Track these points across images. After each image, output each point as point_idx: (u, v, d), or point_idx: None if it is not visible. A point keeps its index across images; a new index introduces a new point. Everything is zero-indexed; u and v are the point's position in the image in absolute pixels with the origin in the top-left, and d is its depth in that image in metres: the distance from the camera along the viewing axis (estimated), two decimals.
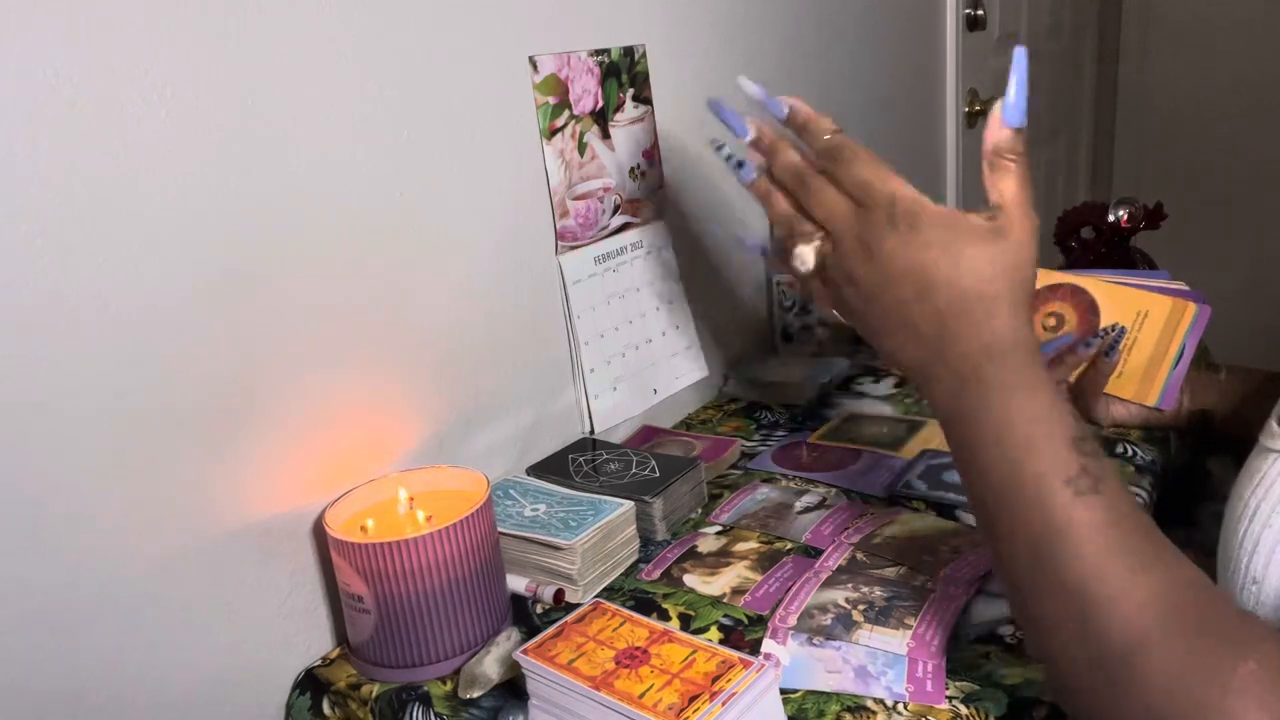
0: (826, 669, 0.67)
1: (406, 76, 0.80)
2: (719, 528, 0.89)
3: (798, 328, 1.30)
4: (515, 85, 0.91)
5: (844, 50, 1.47)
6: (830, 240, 0.63)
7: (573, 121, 0.97)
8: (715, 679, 0.57)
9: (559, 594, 0.78)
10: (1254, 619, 0.51)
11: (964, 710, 0.62)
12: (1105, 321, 0.98)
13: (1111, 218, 1.38)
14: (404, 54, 0.79)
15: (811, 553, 0.82)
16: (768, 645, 0.70)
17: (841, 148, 0.63)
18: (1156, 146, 2.72)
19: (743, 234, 0.68)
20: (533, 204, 0.94)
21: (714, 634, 0.73)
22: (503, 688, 0.69)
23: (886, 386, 1.21)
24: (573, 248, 0.99)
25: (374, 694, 0.71)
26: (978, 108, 1.89)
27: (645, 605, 0.77)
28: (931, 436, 1.03)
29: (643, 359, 1.09)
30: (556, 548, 0.79)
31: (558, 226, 0.97)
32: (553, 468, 0.94)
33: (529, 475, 0.93)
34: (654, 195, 1.09)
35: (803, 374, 1.23)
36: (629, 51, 1.03)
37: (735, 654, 0.59)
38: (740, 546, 0.85)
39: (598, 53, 0.99)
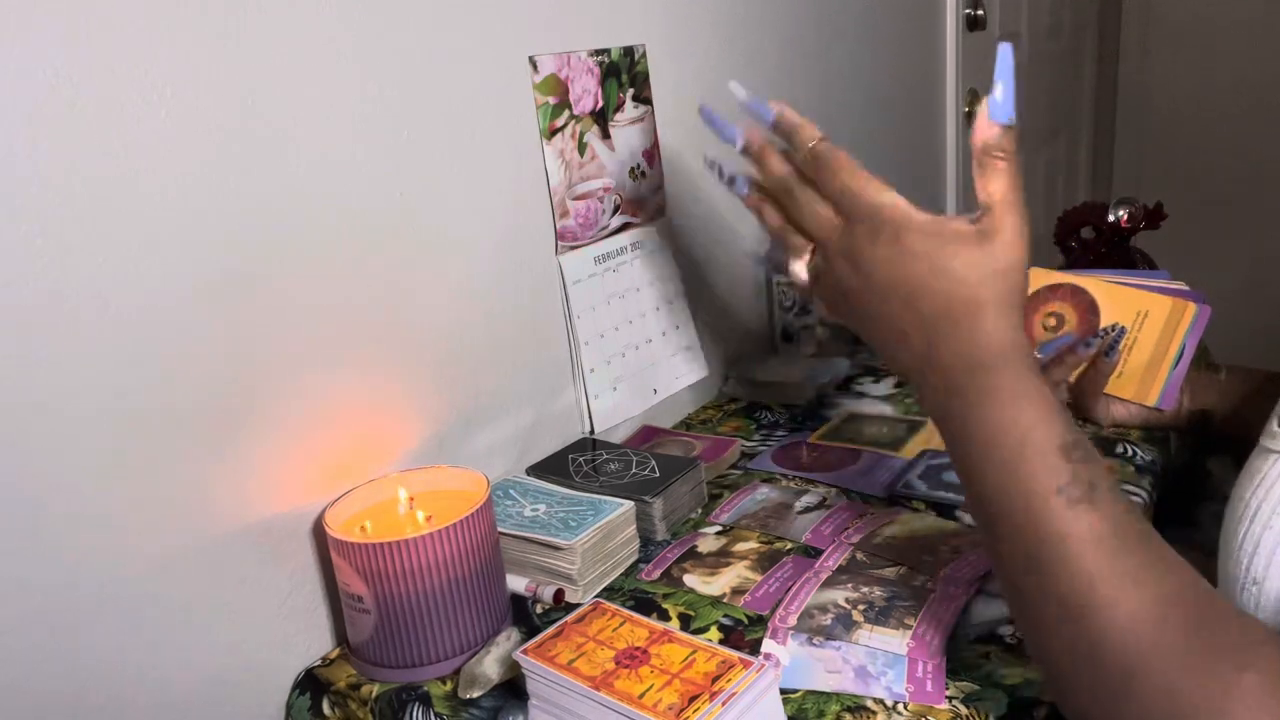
0: (826, 669, 0.67)
1: (406, 76, 0.80)
2: (719, 528, 0.89)
3: (798, 328, 1.30)
4: (515, 85, 0.91)
5: (844, 50, 1.47)
6: (820, 252, 0.62)
7: (573, 121, 0.97)
8: (715, 679, 0.57)
9: (559, 594, 0.78)
10: (1254, 623, 0.50)
11: (964, 710, 0.62)
12: (1105, 321, 0.98)
13: (1111, 218, 1.38)
14: (404, 54, 0.79)
15: (811, 553, 0.82)
16: (768, 645, 0.70)
17: (824, 157, 0.62)
18: (1156, 146, 2.72)
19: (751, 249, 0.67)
20: (533, 204, 0.94)
21: (714, 634, 0.73)
22: (503, 688, 0.69)
23: (886, 386, 1.21)
24: (573, 248, 0.99)
25: (374, 694, 0.71)
26: (978, 108, 1.89)
27: (645, 605, 0.77)
28: (931, 436, 1.03)
29: (643, 359, 1.09)
30: (556, 548, 0.79)
31: (558, 226, 0.97)
32: (553, 468, 0.94)
33: (529, 475, 0.93)
34: (654, 195, 1.09)
35: (803, 374, 1.23)
36: (629, 51, 1.03)
37: (735, 654, 0.59)
38: (740, 546, 0.85)
39: (598, 53, 0.99)
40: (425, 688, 0.70)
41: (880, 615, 0.71)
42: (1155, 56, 2.68)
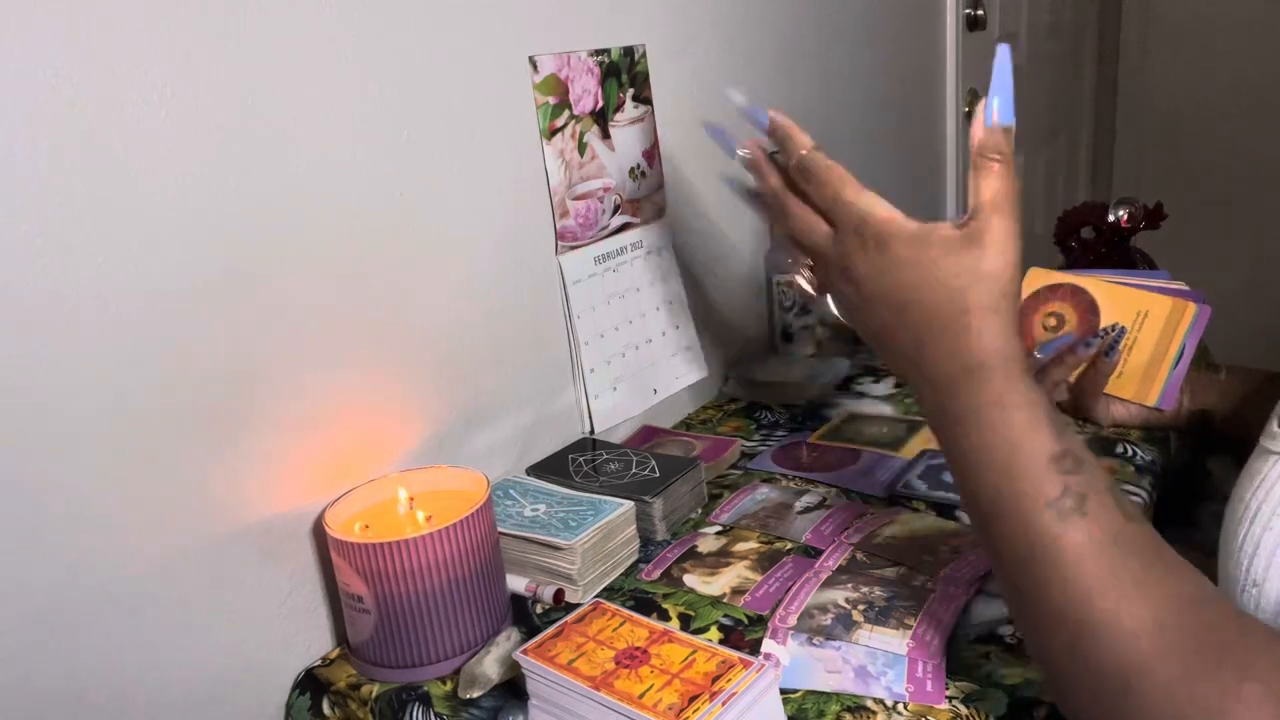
0: (826, 669, 0.67)
1: (406, 76, 0.80)
2: (719, 528, 0.89)
3: (798, 328, 1.30)
4: (515, 85, 0.91)
5: (844, 50, 1.47)
6: (818, 263, 0.62)
7: (573, 121, 0.97)
8: (715, 679, 0.57)
9: (559, 594, 0.78)
10: (1256, 630, 0.49)
11: (964, 710, 0.62)
12: (1105, 321, 0.98)
13: (1111, 218, 1.38)
14: (404, 54, 0.79)
15: (811, 553, 0.82)
16: (768, 645, 0.70)
17: (811, 167, 0.61)
18: (1156, 146, 2.72)
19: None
20: (533, 204, 0.94)
21: (714, 634, 0.73)
22: (503, 688, 0.69)
23: (886, 386, 1.21)
24: (573, 248, 0.99)
25: (374, 694, 0.71)
26: (976, 108, 1.89)
27: (645, 605, 0.77)
28: (931, 436, 1.03)
29: (643, 359, 1.09)
30: (556, 548, 0.79)
31: (558, 226, 0.97)
32: (553, 468, 0.94)
33: (529, 475, 0.93)
34: (654, 195, 1.09)
35: (803, 374, 1.23)
36: (629, 51, 1.03)
37: (735, 654, 0.59)
38: (740, 546, 0.85)
39: (598, 53, 0.99)
40: (425, 688, 0.70)
41: (880, 615, 0.71)
42: (1155, 56, 2.68)
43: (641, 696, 0.56)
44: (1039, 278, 1.02)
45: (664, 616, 0.76)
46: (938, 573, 0.76)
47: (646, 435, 1.09)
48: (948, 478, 0.93)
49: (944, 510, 0.88)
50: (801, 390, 1.18)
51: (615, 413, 1.05)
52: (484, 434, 0.91)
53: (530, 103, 0.92)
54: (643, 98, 1.05)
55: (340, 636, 0.79)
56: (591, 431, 1.03)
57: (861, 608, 0.73)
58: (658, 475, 0.91)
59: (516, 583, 0.80)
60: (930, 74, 1.78)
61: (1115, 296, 0.99)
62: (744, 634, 0.72)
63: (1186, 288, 0.99)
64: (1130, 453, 0.95)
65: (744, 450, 1.06)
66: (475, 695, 0.68)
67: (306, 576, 0.77)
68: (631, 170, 1.05)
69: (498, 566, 0.76)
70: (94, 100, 0.60)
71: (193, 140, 0.65)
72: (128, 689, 0.66)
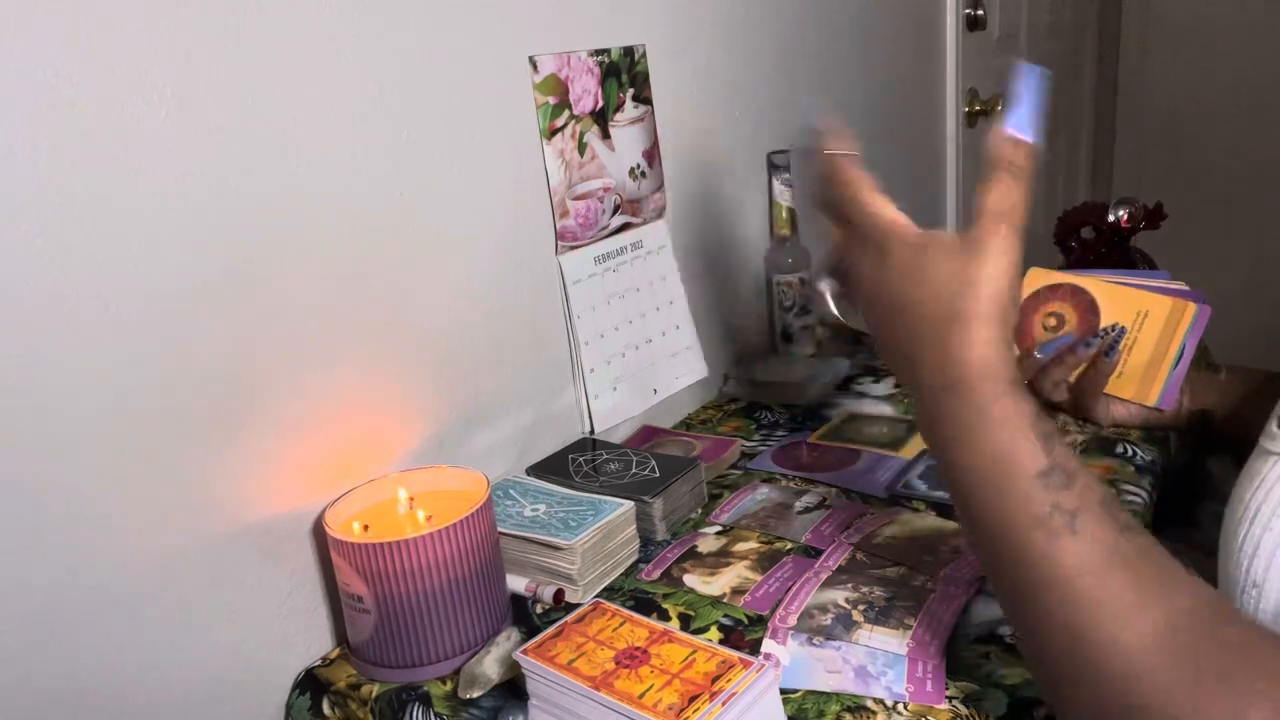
0: (826, 669, 0.67)
1: (406, 76, 0.80)
2: (719, 528, 0.89)
3: (798, 328, 1.30)
4: (515, 85, 0.91)
5: (844, 50, 1.47)
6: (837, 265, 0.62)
7: (573, 121, 0.97)
8: (715, 679, 0.57)
9: (559, 594, 0.78)
10: (1260, 647, 0.47)
11: (964, 710, 0.62)
12: (1105, 321, 0.98)
13: (1111, 218, 1.38)
14: (404, 54, 0.79)
15: (811, 553, 0.82)
16: (768, 645, 0.70)
17: (828, 172, 0.61)
18: (1156, 146, 2.72)
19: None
20: (533, 204, 0.94)
21: (714, 634, 0.73)
22: (503, 688, 0.69)
23: (886, 386, 1.21)
24: (573, 248, 0.99)
25: (374, 694, 0.71)
26: (978, 108, 1.89)
27: (645, 605, 0.77)
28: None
29: (643, 359, 1.09)
30: (556, 548, 0.79)
31: (558, 226, 0.97)
32: (553, 468, 0.94)
33: (529, 475, 0.93)
34: (654, 195, 1.09)
35: (803, 374, 1.23)
36: (629, 51, 1.03)
37: (735, 654, 0.59)
38: (740, 546, 0.85)
39: (598, 53, 0.99)
40: (425, 688, 0.70)
41: (880, 615, 0.71)
42: (1155, 56, 2.68)
43: (641, 696, 0.56)
44: (1039, 278, 1.02)
45: (664, 616, 0.76)
46: (938, 573, 0.76)
47: (646, 435, 1.09)
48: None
49: (944, 510, 0.88)
50: (801, 390, 1.18)
51: (615, 413, 1.05)
52: (484, 434, 0.91)
53: (530, 103, 0.92)
54: (643, 98, 1.05)
55: (340, 636, 0.79)
56: (591, 431, 1.03)
57: (861, 608, 0.73)
58: (658, 475, 0.91)
59: (516, 583, 0.80)
60: (930, 74, 1.78)
61: (1115, 296, 0.99)
62: (744, 634, 0.72)
63: (1186, 288, 0.99)
64: (1130, 453, 0.95)
65: (744, 450, 1.06)
66: (475, 695, 0.68)
67: (306, 576, 0.77)
68: (631, 170, 1.05)
69: (498, 566, 0.76)
70: (94, 100, 0.60)
71: (193, 140, 0.65)
72: (128, 689, 0.66)
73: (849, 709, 0.63)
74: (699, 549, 0.85)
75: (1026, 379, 0.99)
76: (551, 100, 0.94)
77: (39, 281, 0.59)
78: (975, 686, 0.64)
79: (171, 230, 0.65)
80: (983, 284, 0.54)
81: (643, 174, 1.06)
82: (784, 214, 1.28)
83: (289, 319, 0.73)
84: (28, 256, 0.58)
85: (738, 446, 1.05)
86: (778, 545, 0.84)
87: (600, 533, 0.80)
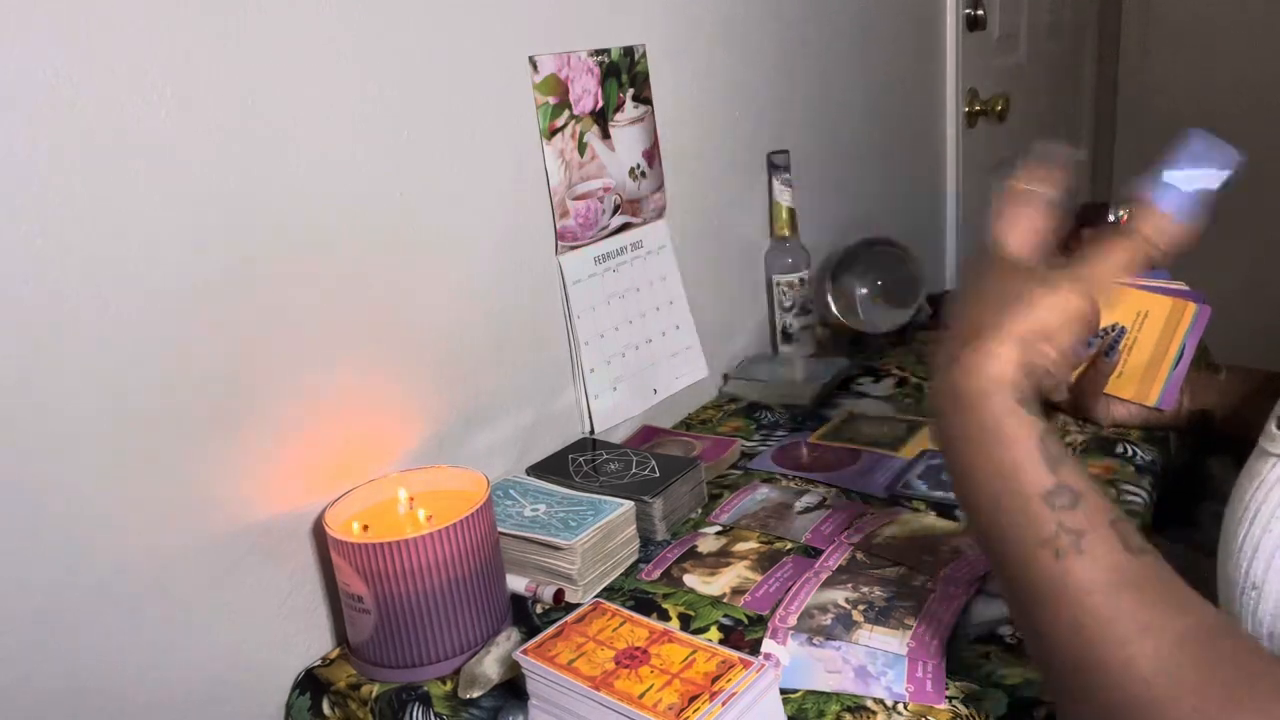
0: (826, 669, 0.67)
1: (406, 76, 0.80)
2: (719, 528, 0.89)
3: (798, 328, 1.30)
4: (515, 85, 0.91)
5: (844, 50, 1.47)
6: None
7: (573, 121, 0.97)
8: (715, 679, 0.57)
9: (559, 594, 0.78)
10: (1268, 668, 0.47)
11: (964, 710, 0.62)
12: (1105, 321, 0.98)
13: (1111, 218, 1.38)
14: (404, 54, 0.79)
15: (811, 553, 0.82)
16: (768, 645, 0.70)
17: (1008, 198, 0.61)
18: (1156, 146, 2.71)
19: None
20: (533, 204, 0.94)
21: (714, 634, 0.73)
22: (503, 688, 0.68)
23: (886, 386, 1.21)
24: (573, 248, 0.99)
25: (374, 694, 0.71)
26: (978, 108, 1.89)
27: (645, 605, 0.77)
28: (930, 437, 1.03)
29: (643, 359, 1.09)
30: (556, 548, 0.79)
31: (558, 226, 0.97)
32: (553, 468, 0.94)
33: (529, 475, 0.93)
34: (654, 195, 1.09)
35: (803, 374, 1.23)
36: (629, 51, 1.03)
37: (735, 654, 0.59)
38: (740, 546, 0.85)
39: (598, 53, 0.99)
40: (425, 688, 0.70)
41: (880, 615, 0.71)
42: (1155, 56, 2.68)
43: (641, 696, 0.56)
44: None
45: (664, 616, 0.76)
46: (938, 573, 0.76)
47: (646, 435, 1.08)
48: (948, 477, 0.93)
49: (944, 510, 0.88)
50: (801, 390, 1.18)
51: (615, 413, 1.05)
52: (484, 434, 0.91)
53: (530, 103, 0.92)
54: (643, 98, 1.05)
55: (340, 636, 0.79)
56: (591, 431, 1.03)
57: (861, 608, 0.73)
58: (658, 475, 0.91)
59: (516, 583, 0.80)
60: (930, 74, 1.78)
61: (1115, 296, 0.99)
62: (744, 634, 0.72)
63: (1186, 288, 0.98)
64: (1130, 453, 0.95)
65: (744, 450, 1.06)
66: (475, 695, 0.68)
67: (306, 576, 0.77)
68: (631, 170, 1.05)
69: (498, 566, 0.76)
70: (94, 100, 0.60)
71: (193, 140, 0.65)
72: (128, 689, 0.66)
73: (849, 709, 0.63)
74: (699, 549, 0.85)
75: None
76: (551, 100, 0.94)
77: (39, 281, 0.59)
78: (975, 686, 0.64)
79: (171, 230, 0.65)
80: (1033, 309, 0.54)
81: (643, 174, 1.06)
82: (784, 214, 1.28)
83: (289, 319, 0.73)
84: (28, 256, 0.58)
85: (738, 446, 1.05)
86: (778, 545, 0.84)
87: (600, 533, 0.80)
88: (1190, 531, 0.93)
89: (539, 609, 0.79)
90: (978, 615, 0.71)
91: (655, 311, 1.11)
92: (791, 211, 1.28)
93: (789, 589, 0.77)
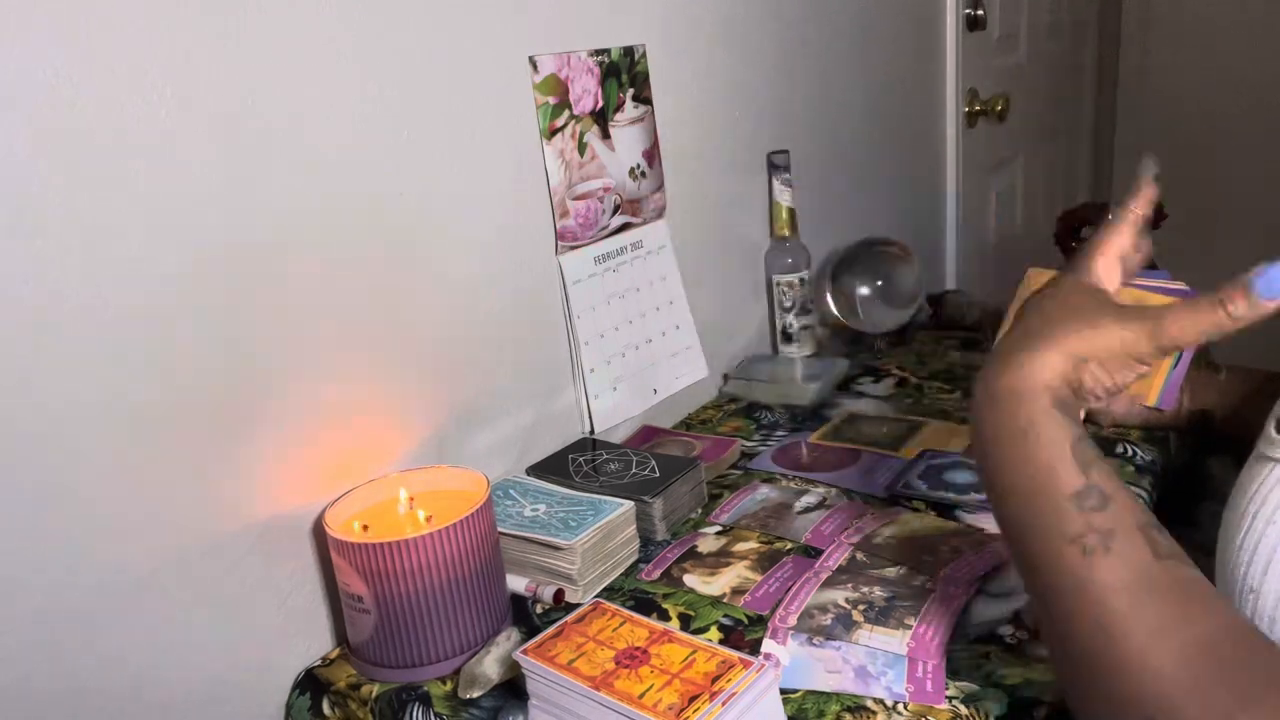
0: (826, 669, 0.67)
1: (406, 76, 0.80)
2: (719, 528, 0.89)
3: (798, 328, 1.30)
4: (515, 85, 0.91)
5: (844, 50, 1.47)
6: None
7: (573, 121, 0.97)
8: (715, 679, 0.57)
9: (559, 594, 0.78)
10: None
11: (964, 710, 0.62)
12: None
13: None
14: (404, 54, 0.79)
15: (811, 553, 0.82)
16: (768, 645, 0.70)
17: (1113, 221, 0.63)
18: (1156, 146, 2.71)
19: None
20: (533, 204, 0.94)
21: (714, 634, 0.73)
22: (503, 688, 0.69)
23: (886, 386, 1.21)
24: (573, 248, 0.99)
25: (374, 694, 0.71)
26: (978, 108, 1.89)
27: (645, 605, 0.77)
28: (931, 436, 1.03)
29: (643, 359, 1.09)
30: (556, 548, 0.79)
31: (558, 226, 0.97)
32: (553, 468, 0.94)
33: (529, 475, 0.93)
34: (654, 195, 1.09)
35: (803, 374, 1.23)
36: (629, 51, 1.03)
37: (735, 654, 0.59)
38: (740, 546, 0.85)
39: (598, 53, 0.99)
40: (425, 688, 0.70)
41: (880, 615, 0.71)
42: (1155, 57, 2.68)
43: (641, 696, 0.56)
44: (1039, 278, 1.02)
45: (664, 616, 0.76)
46: (938, 573, 0.76)
47: (646, 435, 1.09)
48: (947, 477, 0.93)
49: (944, 510, 0.88)
50: (801, 390, 1.18)
51: (615, 413, 1.05)
52: (484, 434, 0.91)
53: (530, 103, 0.92)
54: (643, 98, 1.05)
55: (340, 636, 0.79)
56: (591, 431, 1.03)
57: (861, 608, 0.73)
58: (658, 475, 0.91)
59: (516, 583, 0.80)
60: (930, 74, 1.78)
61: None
62: (744, 634, 0.72)
63: (1186, 288, 0.98)
64: (1130, 453, 0.95)
65: (744, 450, 1.06)
66: (475, 695, 0.68)
67: (306, 576, 0.77)
68: (631, 170, 1.05)
69: (498, 566, 0.76)
70: (94, 100, 0.60)
71: (193, 140, 0.65)
72: (127, 689, 0.66)
73: (849, 709, 0.63)
74: (699, 549, 0.85)
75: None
76: (551, 100, 0.94)
77: (39, 281, 0.59)
78: (975, 686, 0.64)
79: (171, 231, 0.65)
80: (1089, 330, 0.54)
81: (643, 174, 1.06)
82: (784, 214, 1.28)
83: (289, 319, 0.73)
84: (28, 256, 0.58)
85: (738, 446, 1.05)
86: (778, 545, 0.84)
87: (600, 533, 0.80)
88: (1190, 531, 0.92)
89: (539, 609, 0.79)
90: (978, 615, 0.71)
91: (655, 311, 1.11)
92: (791, 211, 1.28)
93: (789, 589, 0.77)
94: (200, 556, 0.69)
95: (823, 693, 0.65)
